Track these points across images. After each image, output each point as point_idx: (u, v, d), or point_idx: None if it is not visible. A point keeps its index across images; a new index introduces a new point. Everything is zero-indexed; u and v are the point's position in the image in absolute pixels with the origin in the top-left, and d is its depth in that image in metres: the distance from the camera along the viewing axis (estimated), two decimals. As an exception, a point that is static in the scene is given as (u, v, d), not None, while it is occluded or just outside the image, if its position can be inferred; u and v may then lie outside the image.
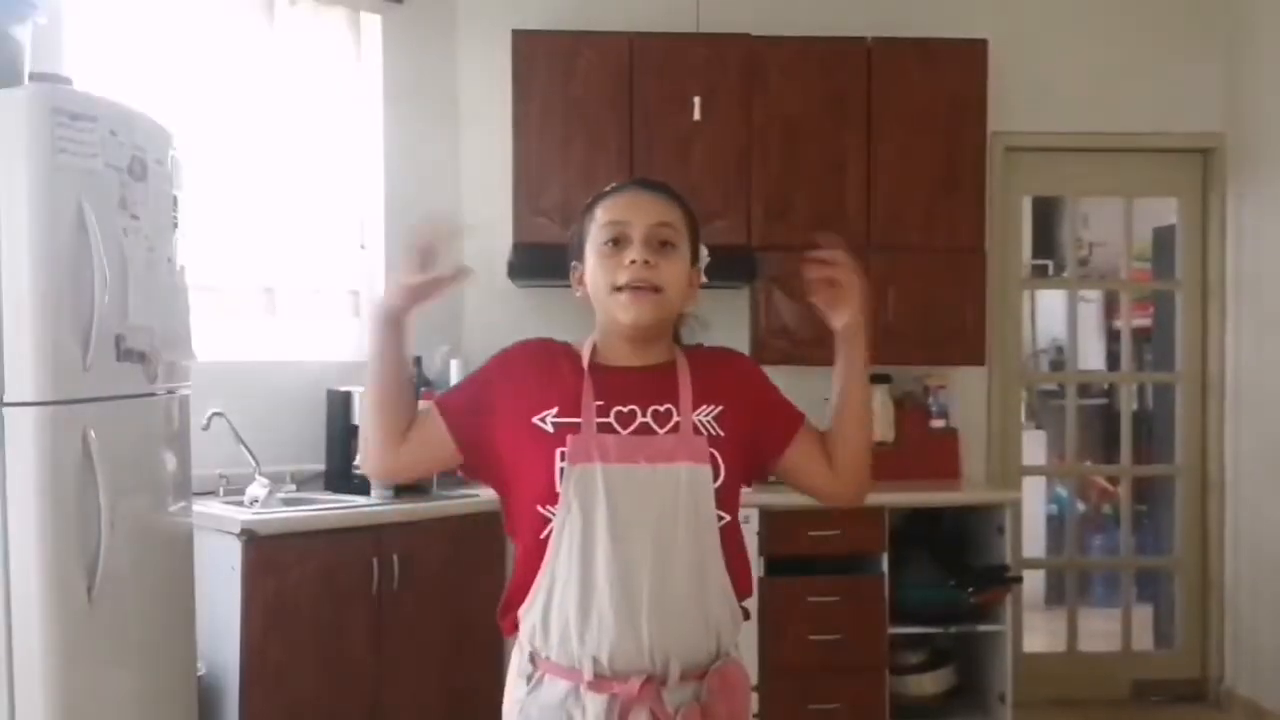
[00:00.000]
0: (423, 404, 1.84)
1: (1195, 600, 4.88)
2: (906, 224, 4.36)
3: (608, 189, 1.85)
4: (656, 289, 1.74)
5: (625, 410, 1.74)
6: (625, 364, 1.79)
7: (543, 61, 4.27)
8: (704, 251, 1.89)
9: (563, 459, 1.69)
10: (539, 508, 1.71)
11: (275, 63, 4.07)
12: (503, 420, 1.77)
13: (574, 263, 1.85)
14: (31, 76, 2.61)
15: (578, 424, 1.72)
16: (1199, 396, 4.86)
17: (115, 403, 2.63)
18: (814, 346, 4.34)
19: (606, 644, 1.67)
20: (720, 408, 1.77)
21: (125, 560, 2.62)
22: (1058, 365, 6.13)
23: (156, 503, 2.88)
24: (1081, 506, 5.65)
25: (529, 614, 1.73)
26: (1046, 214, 6.08)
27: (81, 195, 2.50)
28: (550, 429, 1.72)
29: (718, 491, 1.73)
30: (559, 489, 1.69)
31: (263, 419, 3.84)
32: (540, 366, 1.80)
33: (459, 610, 3.72)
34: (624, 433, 1.73)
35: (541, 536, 1.70)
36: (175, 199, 2.93)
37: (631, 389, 1.76)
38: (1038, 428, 6.20)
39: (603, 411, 1.73)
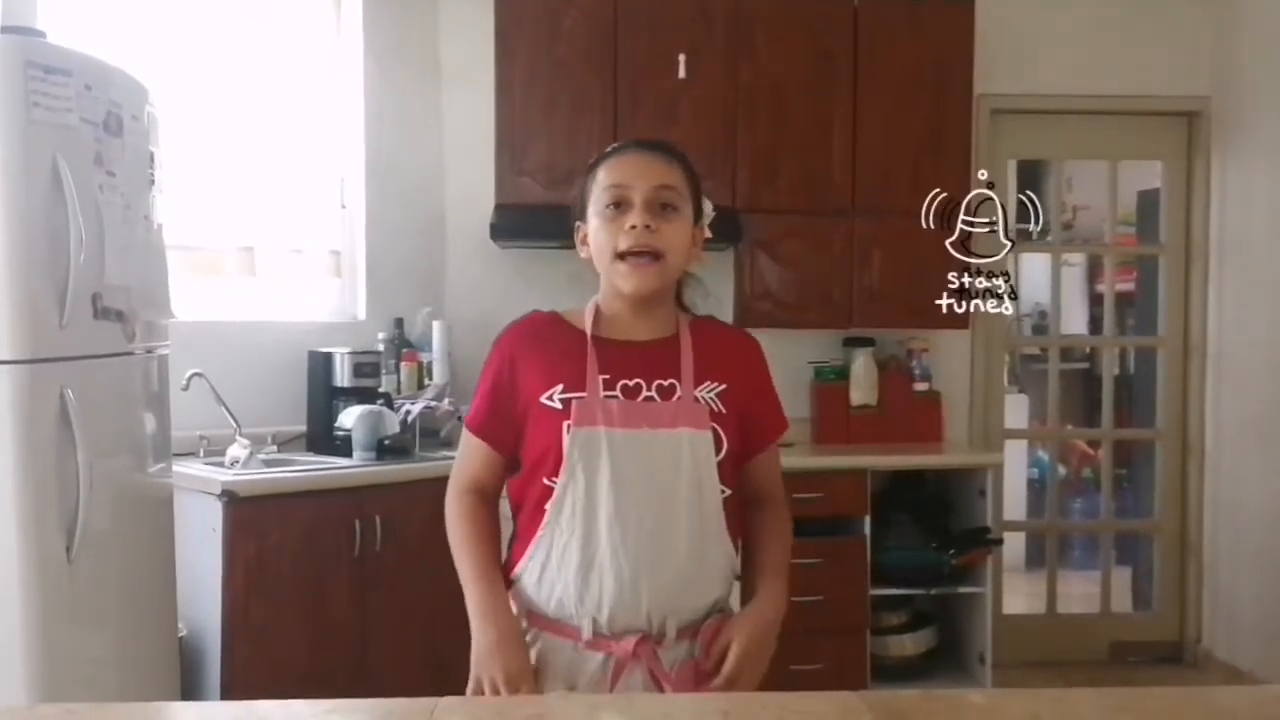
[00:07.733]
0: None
1: (1174, 563, 4.91)
2: (892, 186, 4.33)
3: (609, 149, 1.84)
4: (658, 255, 1.73)
5: (631, 384, 1.73)
6: (629, 337, 1.79)
7: (527, 18, 4.21)
8: (708, 207, 1.88)
9: (568, 429, 1.69)
10: (545, 479, 1.72)
11: (255, 19, 4.00)
12: (521, 405, 1.76)
13: (577, 223, 1.84)
14: (4, 29, 2.55)
15: (584, 397, 1.72)
16: (1181, 361, 4.88)
17: (93, 362, 2.61)
18: (798, 310, 4.39)
19: (606, 606, 1.69)
20: (724, 386, 1.76)
21: (105, 520, 2.60)
22: (1040, 329, 6.14)
23: (136, 463, 2.86)
24: (1062, 470, 5.67)
25: (526, 573, 1.75)
26: (1031, 177, 6.06)
27: (56, 150, 2.46)
28: (558, 405, 1.72)
29: (720, 465, 1.73)
30: (565, 454, 1.69)
31: (243, 380, 3.82)
32: (541, 346, 1.79)
33: (441, 571, 3.67)
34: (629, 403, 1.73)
35: (546, 505, 1.71)
36: (152, 156, 2.89)
37: (636, 363, 1.75)
38: (1020, 391, 6.22)
39: (609, 385, 1.73)
